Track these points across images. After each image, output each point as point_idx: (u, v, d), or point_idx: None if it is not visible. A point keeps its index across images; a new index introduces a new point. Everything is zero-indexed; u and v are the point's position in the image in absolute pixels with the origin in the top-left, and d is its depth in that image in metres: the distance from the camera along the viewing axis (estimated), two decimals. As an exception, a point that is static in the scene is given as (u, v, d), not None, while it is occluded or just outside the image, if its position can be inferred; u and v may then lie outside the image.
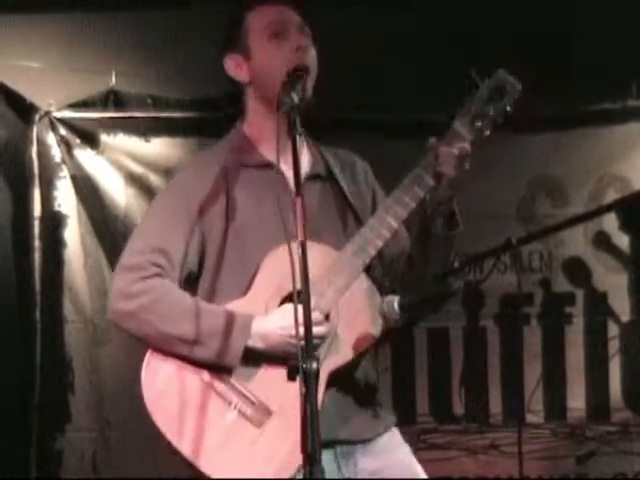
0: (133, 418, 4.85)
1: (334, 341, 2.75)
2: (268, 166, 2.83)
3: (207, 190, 2.86)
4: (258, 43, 2.89)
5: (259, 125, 2.93)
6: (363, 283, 2.80)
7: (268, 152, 2.83)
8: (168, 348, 2.76)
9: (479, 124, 2.75)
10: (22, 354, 4.95)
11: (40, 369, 4.99)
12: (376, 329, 2.78)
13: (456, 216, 2.82)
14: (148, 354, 2.78)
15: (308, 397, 2.27)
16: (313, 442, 2.25)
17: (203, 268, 2.88)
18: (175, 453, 2.70)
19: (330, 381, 2.74)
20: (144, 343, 2.80)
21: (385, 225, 2.76)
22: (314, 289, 2.64)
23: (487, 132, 2.77)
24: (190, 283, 2.89)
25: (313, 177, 2.94)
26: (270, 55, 2.86)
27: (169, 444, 2.70)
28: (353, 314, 2.77)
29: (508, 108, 2.76)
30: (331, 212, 2.94)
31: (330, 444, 2.76)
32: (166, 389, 2.74)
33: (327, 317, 2.75)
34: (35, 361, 4.99)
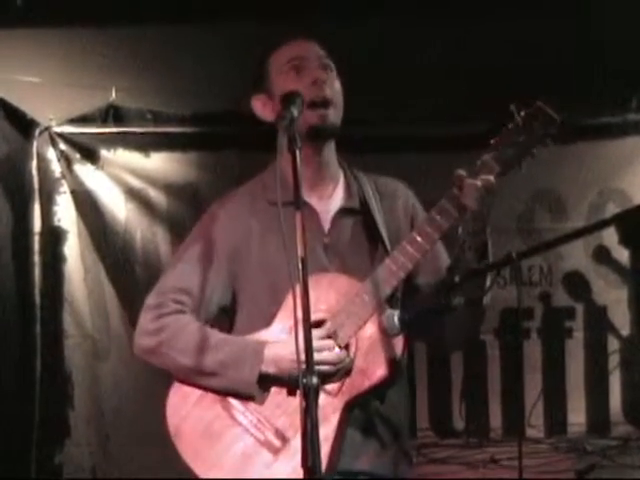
0: (132, 432, 4.85)
1: (352, 371, 2.77)
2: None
3: (238, 227, 2.93)
4: (278, 81, 2.93)
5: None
6: (384, 314, 2.79)
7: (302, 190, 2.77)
8: (189, 380, 2.85)
9: (510, 156, 2.73)
10: (22, 368, 4.95)
11: (40, 383, 4.98)
12: (394, 360, 2.78)
13: (487, 250, 2.80)
14: (175, 382, 2.88)
15: (308, 411, 2.27)
16: (314, 457, 2.25)
17: (237, 302, 2.95)
18: (192, 475, 2.77)
19: (347, 411, 2.76)
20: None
21: (408, 256, 2.77)
22: (334, 321, 2.74)
23: (518, 164, 2.74)
24: (226, 315, 2.97)
25: (346, 211, 2.97)
26: None
27: (187, 467, 2.77)
28: (372, 345, 2.78)
29: (545, 140, 2.71)
30: (361, 247, 2.95)
31: (347, 476, 2.79)
32: (188, 415, 2.83)
33: (346, 348, 2.77)
34: (35, 375, 4.98)
